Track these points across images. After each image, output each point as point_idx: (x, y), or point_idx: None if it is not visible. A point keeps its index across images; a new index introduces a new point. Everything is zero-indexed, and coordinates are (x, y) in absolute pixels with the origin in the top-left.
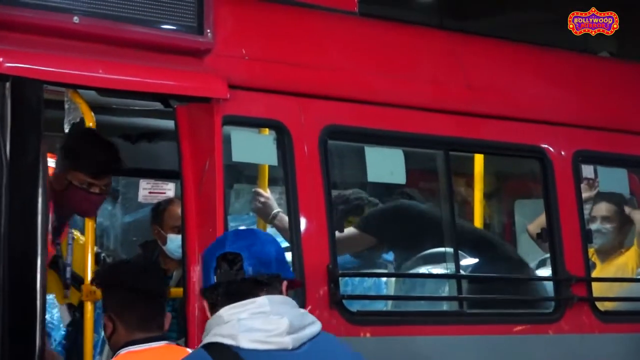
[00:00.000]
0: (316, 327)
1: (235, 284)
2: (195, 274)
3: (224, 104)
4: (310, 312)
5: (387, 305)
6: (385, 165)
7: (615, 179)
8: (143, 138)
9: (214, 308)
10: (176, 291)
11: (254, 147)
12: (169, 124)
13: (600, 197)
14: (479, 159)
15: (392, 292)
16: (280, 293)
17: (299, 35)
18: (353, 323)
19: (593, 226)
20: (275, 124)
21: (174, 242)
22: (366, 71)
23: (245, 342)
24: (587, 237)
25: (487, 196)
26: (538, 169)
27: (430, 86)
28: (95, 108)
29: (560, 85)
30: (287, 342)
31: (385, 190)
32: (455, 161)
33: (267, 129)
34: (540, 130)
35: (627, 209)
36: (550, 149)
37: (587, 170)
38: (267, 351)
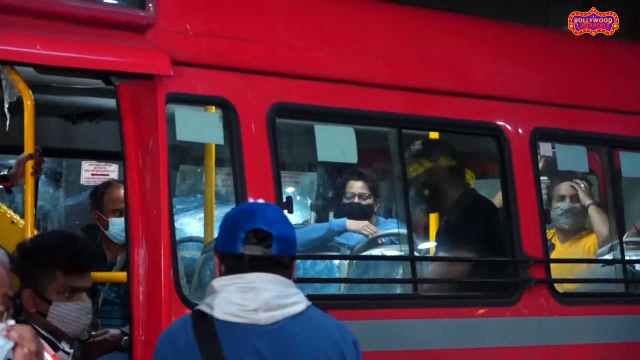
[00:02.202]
0: (299, 306)
1: (260, 259)
2: (140, 257)
3: (167, 80)
4: None
5: (340, 289)
6: (336, 144)
7: (574, 157)
8: (84, 117)
9: (229, 272)
10: (120, 276)
11: (199, 126)
12: (111, 102)
13: (562, 176)
14: (433, 137)
15: (345, 276)
16: (290, 271)
17: (245, 9)
18: None
19: (563, 205)
20: (221, 101)
21: (116, 226)
22: (316, 47)
23: (219, 314)
24: (545, 217)
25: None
26: (494, 147)
27: (383, 62)
28: (33, 87)
29: (518, 61)
30: (259, 318)
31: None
32: (410, 139)
33: (212, 107)
34: (497, 107)
35: (581, 196)
36: (507, 126)
37: (545, 148)
38: (238, 324)
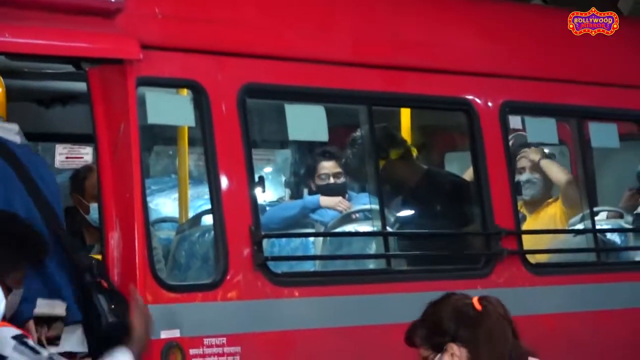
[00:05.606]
0: None
1: None
2: (114, 240)
3: (137, 64)
4: (234, 275)
5: (316, 266)
6: (307, 122)
7: (544, 129)
8: (57, 102)
9: None
10: (95, 259)
11: (171, 108)
12: (84, 86)
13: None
14: (405, 113)
15: (319, 253)
16: None
17: None
18: (278, 285)
19: (521, 177)
20: (192, 83)
21: (97, 211)
22: (284, 26)
23: None
24: (516, 189)
25: (416, 150)
26: (465, 121)
27: (351, 40)
28: (5, 72)
29: (486, 36)
30: None
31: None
32: (382, 116)
33: (183, 89)
34: (466, 81)
35: (542, 162)
36: (477, 100)
37: (515, 121)
38: None
